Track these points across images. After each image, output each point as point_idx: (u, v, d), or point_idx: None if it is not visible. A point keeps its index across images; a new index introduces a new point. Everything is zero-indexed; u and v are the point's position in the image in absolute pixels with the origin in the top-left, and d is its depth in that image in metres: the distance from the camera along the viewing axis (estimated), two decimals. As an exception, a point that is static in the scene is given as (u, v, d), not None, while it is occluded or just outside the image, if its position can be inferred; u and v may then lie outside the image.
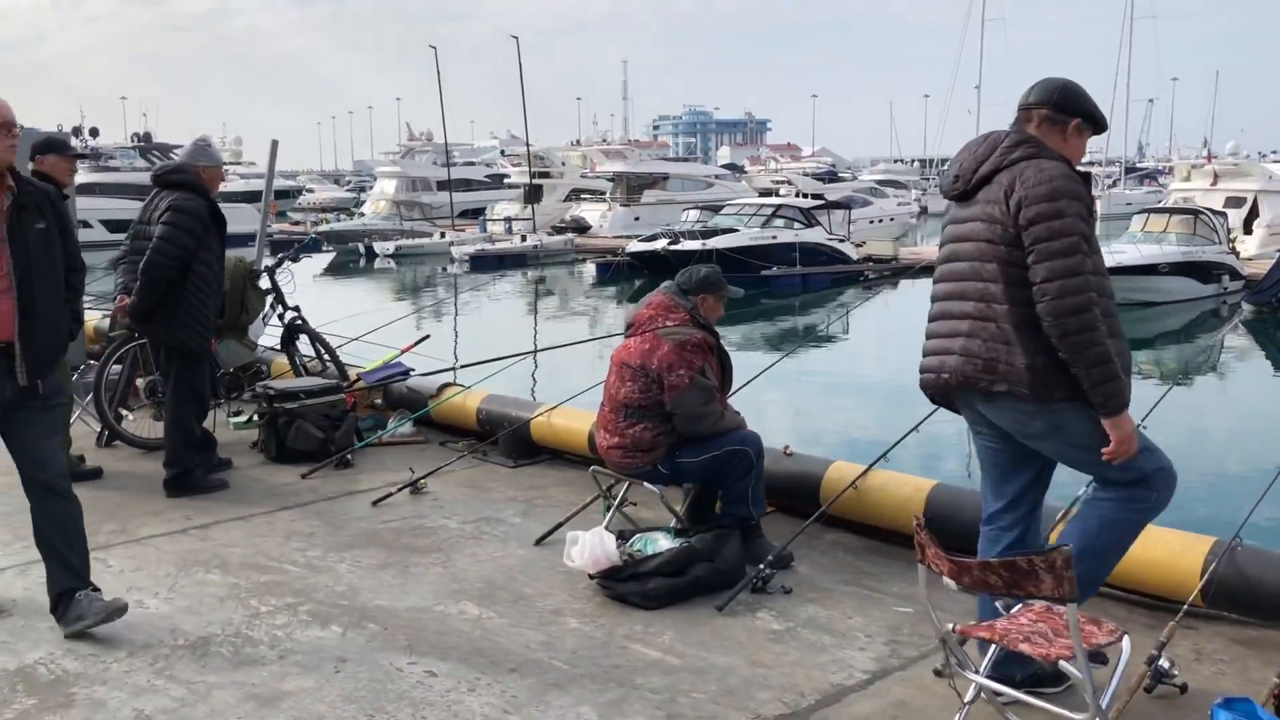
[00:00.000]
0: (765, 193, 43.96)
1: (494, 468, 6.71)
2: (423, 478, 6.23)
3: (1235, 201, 32.34)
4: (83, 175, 46.61)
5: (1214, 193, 32.76)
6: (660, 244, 31.98)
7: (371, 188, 55.44)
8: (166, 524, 5.77)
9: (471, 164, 56.55)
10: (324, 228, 44.98)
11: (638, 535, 4.83)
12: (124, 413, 7.33)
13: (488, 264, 38.19)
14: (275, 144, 10.53)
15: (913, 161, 76.53)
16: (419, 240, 41.51)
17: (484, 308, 30.09)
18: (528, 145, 45.18)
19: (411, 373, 7.87)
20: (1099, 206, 49.18)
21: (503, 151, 73.82)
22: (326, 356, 7.98)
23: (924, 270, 31.86)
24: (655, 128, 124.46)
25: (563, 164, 51.15)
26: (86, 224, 35.90)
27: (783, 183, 46.38)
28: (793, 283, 32.00)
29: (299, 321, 7.95)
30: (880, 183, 51.98)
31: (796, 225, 33.29)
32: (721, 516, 5.03)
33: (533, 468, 6.73)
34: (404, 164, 54.91)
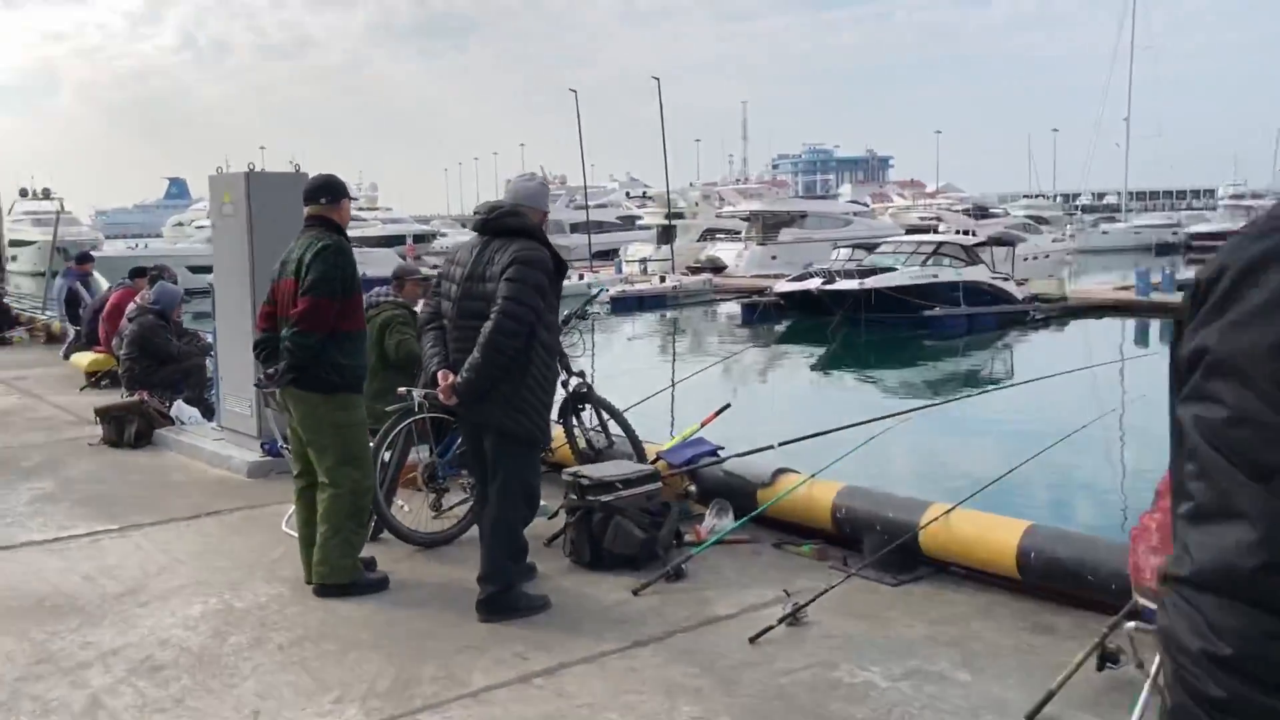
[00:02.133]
0: (913, 230, 42.08)
1: (872, 585, 5.25)
2: (803, 605, 4.80)
3: None
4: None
5: None
6: (814, 284, 30.43)
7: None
8: (499, 665, 4.44)
9: (603, 206, 55.75)
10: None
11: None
12: (398, 501, 6.10)
13: (628, 305, 37.07)
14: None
15: (1055, 197, 73.74)
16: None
17: (682, 355, 28.86)
18: (667, 186, 44.07)
19: (721, 451, 6.48)
20: None
21: (628, 194, 73.09)
22: (618, 431, 6.64)
23: (1095, 309, 29.75)
24: (775, 166, 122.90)
25: (696, 204, 49.94)
26: (170, 269, 35.89)
27: (933, 219, 44.43)
28: (957, 324, 30.09)
29: (585, 389, 6.63)
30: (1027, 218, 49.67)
31: (958, 263, 31.40)
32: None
33: (921, 586, 5.25)
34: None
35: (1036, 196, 72.23)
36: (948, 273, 30.90)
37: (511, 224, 4.92)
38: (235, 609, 5.19)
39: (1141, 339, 29.86)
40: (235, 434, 8.26)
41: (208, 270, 11.72)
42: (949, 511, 5.11)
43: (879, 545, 5.34)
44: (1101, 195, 76.73)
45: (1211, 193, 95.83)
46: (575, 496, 5.61)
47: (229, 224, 7.99)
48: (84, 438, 9.27)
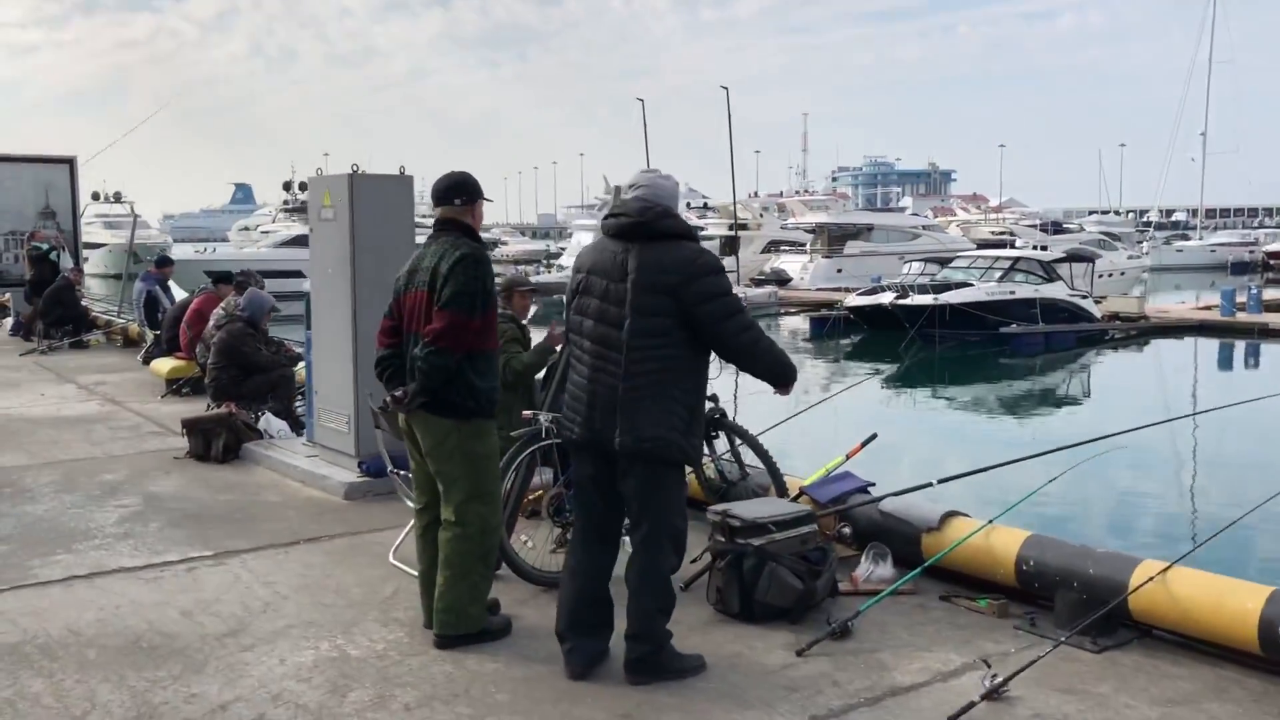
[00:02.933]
0: (984, 244, 41.04)
1: (1069, 651, 4.56)
2: (1009, 678, 4.13)
3: None
4: (299, 227, 47.38)
5: None
6: (886, 298, 29.61)
7: (567, 239, 54.52)
8: (663, 743, 3.83)
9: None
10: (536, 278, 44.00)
11: None
12: (520, 535, 5.50)
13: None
14: (619, 189, 8.94)
15: (1127, 213, 72.01)
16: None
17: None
18: (734, 196, 43.40)
19: (872, 488, 5.83)
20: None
21: (688, 204, 72.45)
22: (755, 462, 6.00)
23: (1175, 329, 28.59)
24: (834, 179, 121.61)
25: (760, 215, 49.22)
26: (300, 274, 35.73)
27: (1004, 234, 43.33)
28: (1035, 342, 29.13)
29: (718, 413, 6.00)
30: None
31: (1035, 279, 30.45)
32: None
33: (1128, 654, 4.56)
34: (599, 217, 53.81)
35: (1106, 212, 70.60)
36: (1025, 289, 29.98)
37: (669, 226, 4.28)
38: (351, 658, 4.62)
39: (1224, 360, 28.74)
40: (329, 451, 7.74)
41: (277, 275, 11.46)
42: (1166, 570, 4.41)
43: (1076, 605, 4.66)
44: (1170, 212, 74.81)
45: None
46: (723, 539, 4.98)
47: (328, 228, 7.47)
48: (169, 450, 8.81)
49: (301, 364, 9.80)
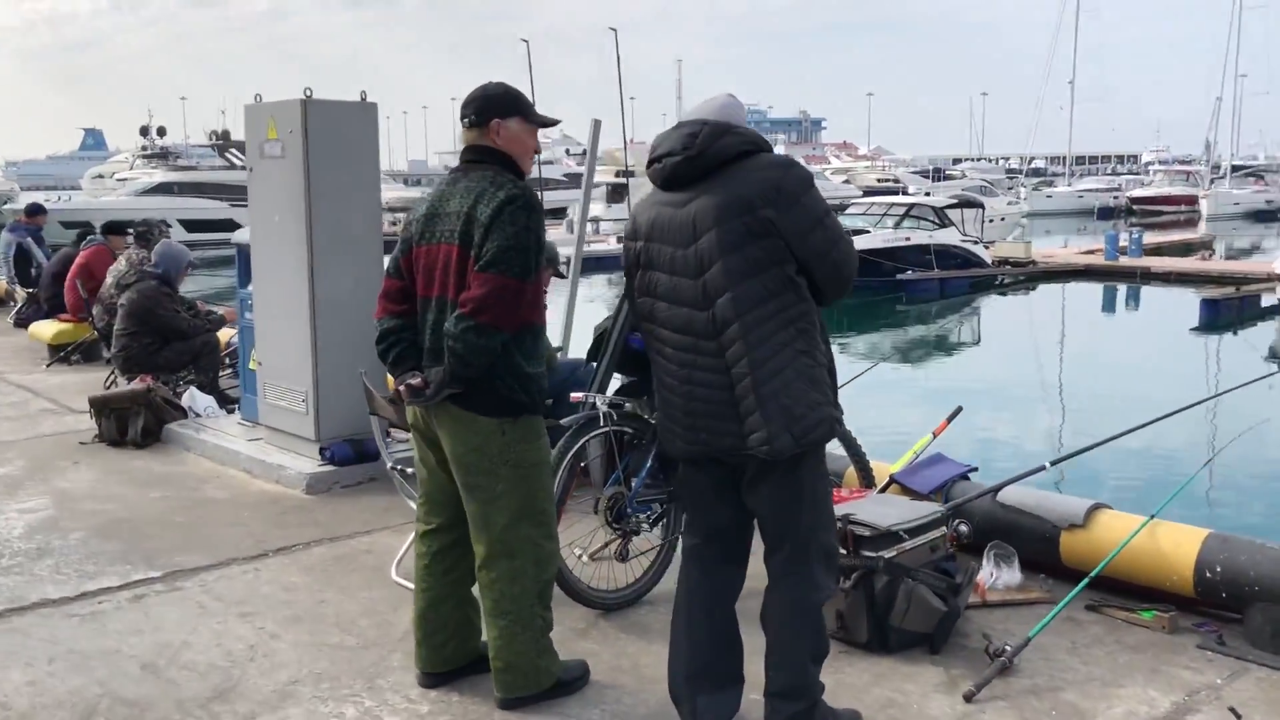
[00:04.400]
0: (871, 191, 40.75)
1: (1272, 675, 3.68)
2: (1262, 727, 3.23)
3: None
4: (160, 174, 44.27)
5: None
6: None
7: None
8: None
9: (549, 163, 53.45)
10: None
11: None
12: (573, 548, 4.36)
13: (585, 267, 35.18)
14: (598, 124, 7.88)
15: (997, 160, 73.08)
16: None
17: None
18: (624, 141, 42.05)
19: (972, 472, 4.87)
20: (1203, 206, 45.86)
21: (568, 151, 70.72)
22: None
23: (1062, 274, 28.79)
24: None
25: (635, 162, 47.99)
26: (166, 223, 33.30)
27: (890, 180, 43.12)
28: (930, 288, 28.92)
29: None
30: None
31: (929, 226, 30.25)
32: None
33: (1357, 680, 3.71)
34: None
35: (978, 160, 71.55)
36: (919, 235, 29.71)
37: (731, 146, 3.08)
38: (393, 729, 3.46)
39: (1109, 305, 29.05)
40: (279, 434, 6.42)
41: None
42: None
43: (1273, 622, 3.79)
44: (1030, 159, 76.39)
45: (1135, 158, 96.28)
46: (845, 551, 3.95)
47: (274, 167, 6.11)
48: (70, 432, 7.33)
49: (228, 329, 8.38)
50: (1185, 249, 36.11)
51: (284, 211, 6.07)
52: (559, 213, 45.43)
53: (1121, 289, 29.87)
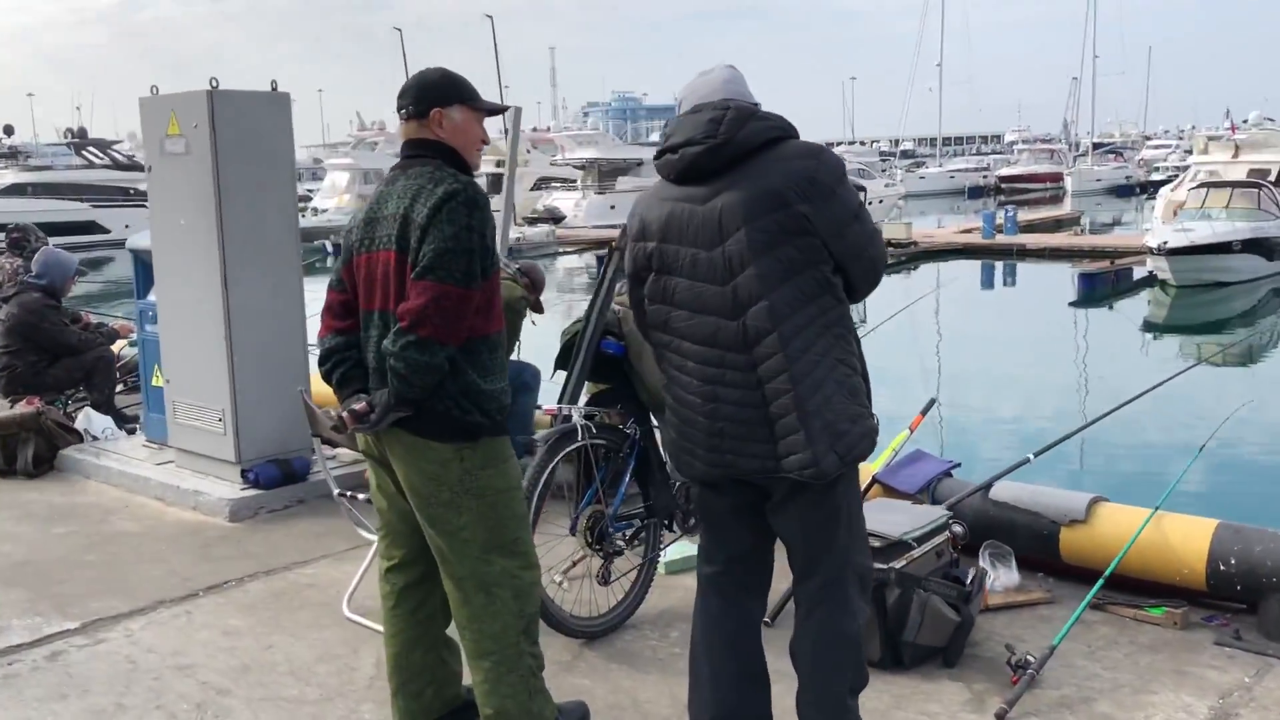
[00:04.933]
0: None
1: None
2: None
3: (1259, 174, 30.31)
4: (12, 175, 41.77)
5: (1236, 165, 30.64)
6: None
7: (318, 181, 50.84)
8: None
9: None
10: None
11: None
12: (552, 575, 3.97)
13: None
14: (519, 111, 7.63)
15: (870, 143, 74.23)
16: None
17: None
18: (505, 130, 41.28)
19: (955, 468, 4.66)
20: (1068, 182, 47.09)
21: (443, 141, 69.11)
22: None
23: (942, 253, 29.39)
24: (585, 114, 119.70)
25: (528, 151, 47.35)
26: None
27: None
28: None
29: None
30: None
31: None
32: None
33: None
34: (356, 155, 50.22)
35: (853, 143, 72.66)
36: (805, 219, 29.94)
37: (762, 131, 2.75)
38: (380, 797, 3.05)
39: (987, 282, 29.71)
40: (191, 455, 5.86)
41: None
42: None
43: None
44: (897, 142, 78.01)
45: (999, 138, 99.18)
46: (855, 562, 3.66)
47: (177, 165, 5.55)
48: (-51, 463, 6.61)
49: (122, 342, 7.72)
50: (1056, 225, 37.23)
51: (191, 213, 5.52)
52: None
53: (999, 266, 30.60)
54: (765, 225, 2.70)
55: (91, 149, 43.96)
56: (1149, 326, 21.76)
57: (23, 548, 5.14)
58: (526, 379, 5.60)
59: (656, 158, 2.90)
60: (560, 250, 36.79)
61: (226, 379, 5.49)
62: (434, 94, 3.06)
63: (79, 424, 6.63)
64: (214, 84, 5.39)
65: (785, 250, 2.71)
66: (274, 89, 5.62)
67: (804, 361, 2.71)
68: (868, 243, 2.82)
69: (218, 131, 5.33)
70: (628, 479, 4.04)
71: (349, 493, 4.30)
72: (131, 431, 6.83)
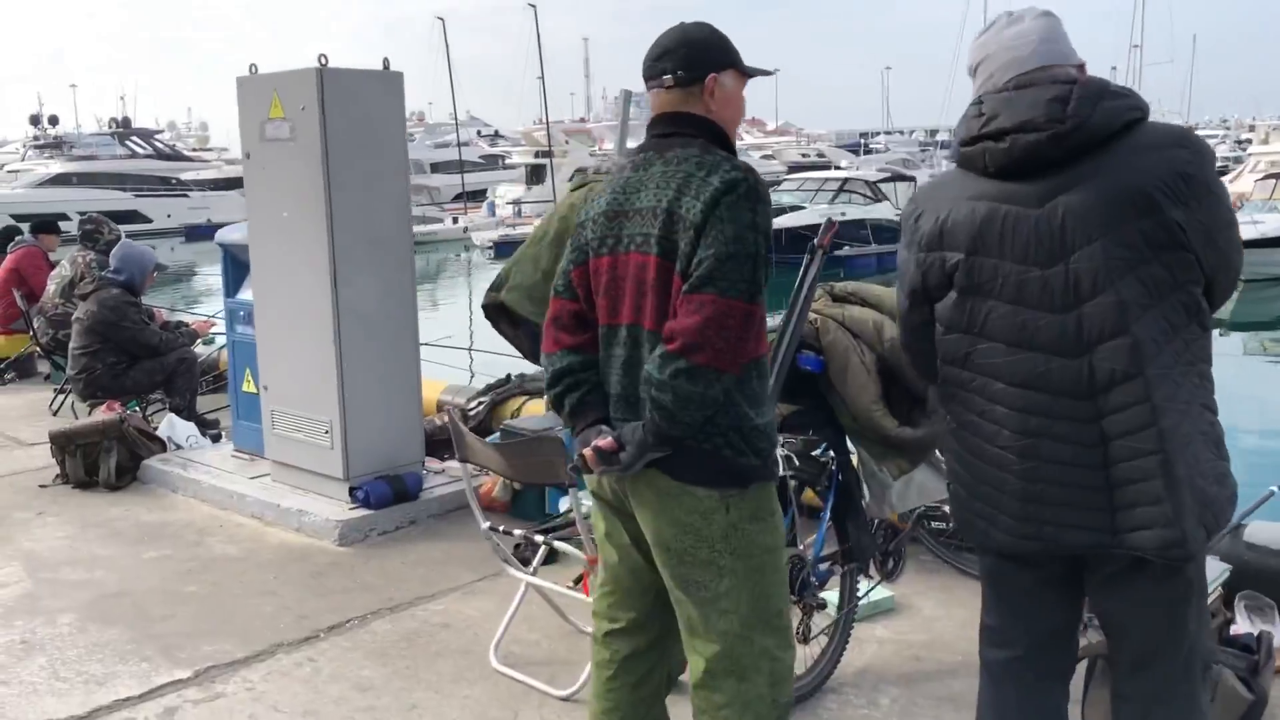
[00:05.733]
0: (797, 167, 40.21)
1: None
2: None
3: (1322, 164, 29.40)
4: (58, 165, 41.55)
5: (1299, 155, 29.76)
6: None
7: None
8: None
9: (465, 144, 51.81)
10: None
11: None
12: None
13: (512, 251, 34.05)
14: (629, 94, 7.17)
15: (910, 133, 73.16)
16: (431, 226, 36.91)
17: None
18: (546, 119, 40.78)
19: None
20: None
21: (479, 132, 68.83)
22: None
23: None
24: (617, 104, 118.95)
25: (566, 142, 46.80)
26: (65, 216, 31.07)
27: (813, 155, 42.55)
28: (869, 263, 28.51)
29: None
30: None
31: (863, 200, 29.91)
32: None
33: None
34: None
35: (891, 133, 71.63)
36: (855, 210, 29.29)
37: (1118, 113, 2.14)
38: None
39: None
40: (288, 469, 5.32)
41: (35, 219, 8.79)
42: None
43: None
44: (934, 132, 76.85)
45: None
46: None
47: (280, 152, 5.00)
48: (24, 473, 6.10)
49: (205, 341, 7.21)
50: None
51: (295, 206, 4.97)
52: (474, 195, 44.07)
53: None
54: (1127, 236, 2.10)
55: (135, 139, 43.77)
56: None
57: (115, 575, 4.61)
58: None
59: (965, 144, 2.30)
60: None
61: (335, 388, 4.94)
62: (710, 56, 2.48)
63: (161, 431, 6.11)
64: (323, 61, 4.83)
65: (1152, 268, 2.10)
66: (386, 67, 5.05)
67: (1171, 413, 2.11)
68: (1236, 250, 2.22)
69: (327, 114, 4.77)
70: (827, 519, 3.46)
71: (500, 527, 3.72)
72: (215, 438, 6.30)
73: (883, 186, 30.79)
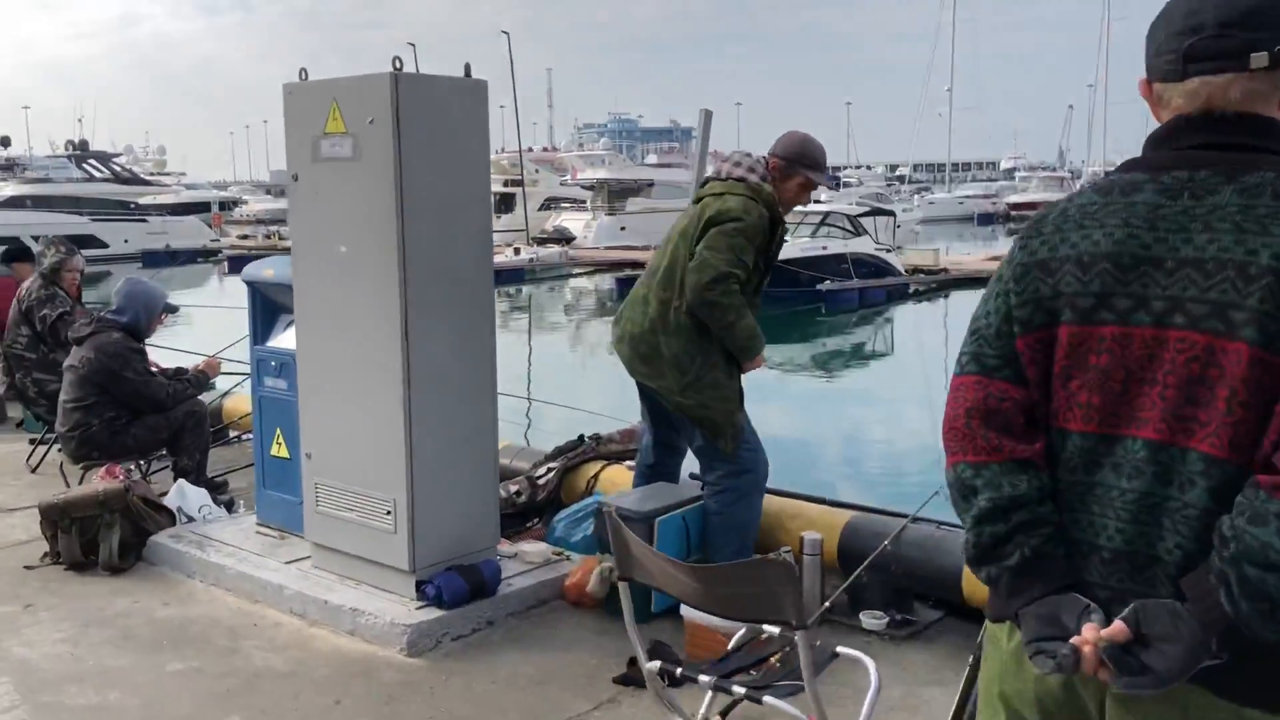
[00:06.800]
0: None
1: None
2: None
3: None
4: (11, 187, 39.96)
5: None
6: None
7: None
8: None
9: (432, 172, 50.68)
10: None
11: None
12: None
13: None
14: (709, 114, 6.54)
15: (873, 168, 73.16)
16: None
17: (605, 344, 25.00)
18: (520, 151, 39.98)
19: None
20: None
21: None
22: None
23: (972, 281, 28.38)
24: (581, 135, 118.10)
25: (536, 170, 46.01)
26: (19, 240, 29.52)
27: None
28: (850, 298, 27.93)
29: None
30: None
31: (844, 234, 29.41)
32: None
33: None
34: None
35: (858, 167, 71.53)
36: (836, 244, 28.78)
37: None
38: None
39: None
40: (338, 556, 4.39)
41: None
42: None
43: None
44: (894, 167, 77.09)
45: (995, 165, 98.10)
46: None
47: (338, 173, 4.09)
48: (5, 549, 5.11)
49: (215, 391, 6.24)
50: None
51: (357, 239, 4.06)
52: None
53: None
54: None
55: (93, 161, 42.30)
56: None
57: (136, 700, 3.64)
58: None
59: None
60: (573, 272, 35.54)
61: (403, 461, 4.02)
62: None
63: (169, 499, 5.14)
64: (398, 65, 3.95)
65: None
66: (467, 74, 4.17)
67: None
68: None
69: (403, 129, 3.89)
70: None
71: (677, 670, 2.83)
72: (229, 505, 5.35)
73: (864, 221, 30.34)
